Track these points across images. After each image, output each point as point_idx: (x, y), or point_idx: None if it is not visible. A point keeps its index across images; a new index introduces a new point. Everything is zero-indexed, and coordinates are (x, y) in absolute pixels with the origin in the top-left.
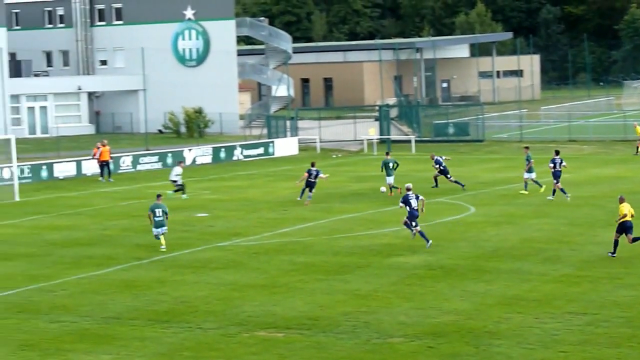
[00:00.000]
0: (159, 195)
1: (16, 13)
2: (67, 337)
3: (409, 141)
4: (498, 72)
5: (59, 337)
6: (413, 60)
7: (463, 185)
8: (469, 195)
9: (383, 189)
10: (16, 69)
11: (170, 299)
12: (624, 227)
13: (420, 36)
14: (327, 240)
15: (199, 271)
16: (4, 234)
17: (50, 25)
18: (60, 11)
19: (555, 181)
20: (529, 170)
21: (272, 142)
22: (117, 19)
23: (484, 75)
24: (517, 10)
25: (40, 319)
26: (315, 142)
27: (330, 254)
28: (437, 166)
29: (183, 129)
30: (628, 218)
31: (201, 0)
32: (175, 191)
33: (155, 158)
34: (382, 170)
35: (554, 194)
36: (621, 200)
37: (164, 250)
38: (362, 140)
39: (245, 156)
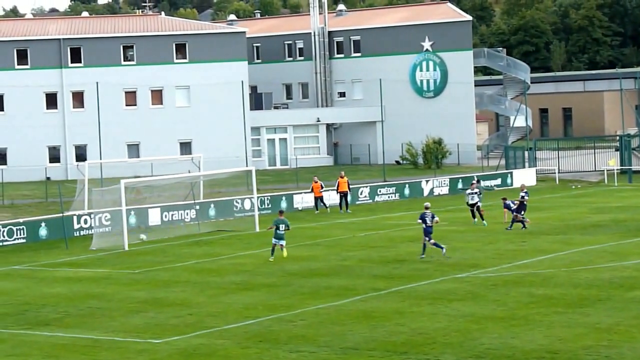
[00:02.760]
0: (281, 212)
1: (257, 47)
2: None
3: None
4: None
5: None
6: None
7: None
8: None
9: (143, 236)
10: (257, 101)
11: (408, 330)
12: None
13: None
14: (566, 273)
15: (437, 302)
16: (246, 264)
17: (290, 58)
18: (299, 44)
19: None
20: None
21: (510, 172)
22: (355, 51)
23: None
24: None
25: (280, 348)
26: (554, 173)
27: (569, 286)
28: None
29: (420, 160)
30: None
31: (439, 32)
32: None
33: (393, 189)
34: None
35: None
36: None
37: (272, 260)
38: (602, 170)
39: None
